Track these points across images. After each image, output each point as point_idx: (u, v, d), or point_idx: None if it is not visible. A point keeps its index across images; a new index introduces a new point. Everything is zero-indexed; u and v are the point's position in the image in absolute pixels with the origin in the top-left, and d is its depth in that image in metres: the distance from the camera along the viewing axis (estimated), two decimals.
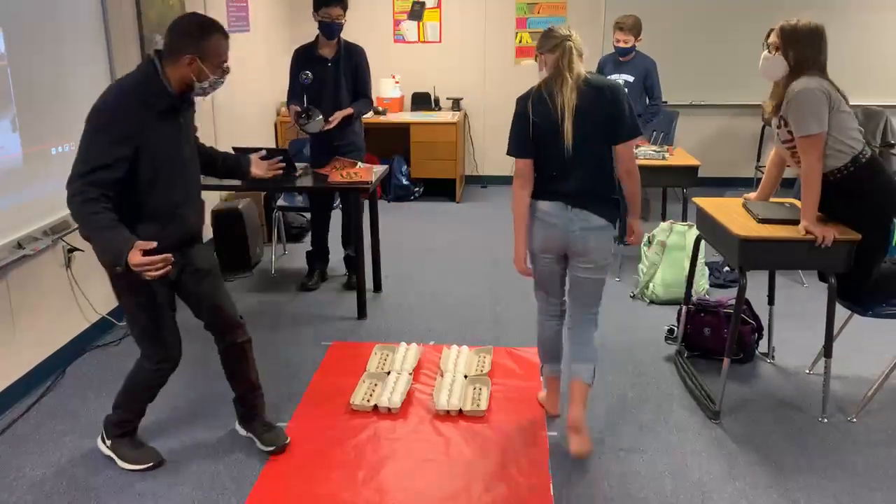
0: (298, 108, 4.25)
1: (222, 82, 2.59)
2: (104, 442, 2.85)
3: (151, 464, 2.78)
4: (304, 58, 4.41)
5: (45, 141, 3.38)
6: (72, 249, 3.58)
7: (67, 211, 3.41)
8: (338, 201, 4.90)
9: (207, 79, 2.51)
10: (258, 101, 6.25)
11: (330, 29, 4.29)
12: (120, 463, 2.79)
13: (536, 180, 2.81)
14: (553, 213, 2.78)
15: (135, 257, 2.28)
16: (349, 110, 4.39)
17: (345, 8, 4.29)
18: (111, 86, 2.52)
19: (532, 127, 2.74)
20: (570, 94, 2.68)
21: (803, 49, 2.88)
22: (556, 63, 2.73)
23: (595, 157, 2.75)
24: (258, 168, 3.12)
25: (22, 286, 3.29)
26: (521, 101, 2.80)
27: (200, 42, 2.45)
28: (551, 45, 2.74)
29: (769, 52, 2.97)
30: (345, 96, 4.42)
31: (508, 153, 2.81)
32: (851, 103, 2.95)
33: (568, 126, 2.68)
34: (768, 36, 2.99)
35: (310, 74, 4.23)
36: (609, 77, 5.26)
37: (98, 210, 2.34)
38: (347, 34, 4.42)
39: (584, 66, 2.76)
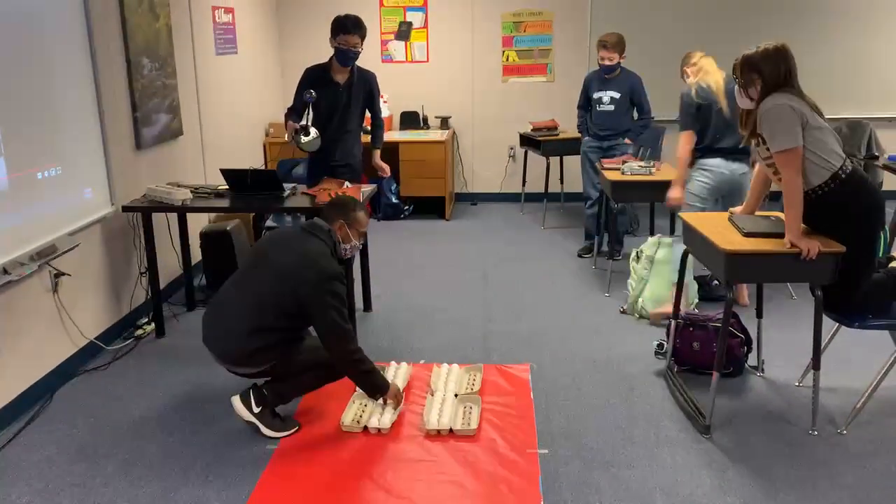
0: (297, 126, 4.26)
1: (359, 247, 3.32)
2: (251, 409, 3.08)
3: (296, 428, 3.16)
4: (315, 78, 4.42)
5: (31, 165, 3.38)
6: (59, 274, 3.56)
7: (54, 235, 3.48)
8: None
9: (350, 242, 3.20)
10: (246, 122, 6.26)
11: (345, 56, 4.33)
12: (266, 430, 3.09)
13: (700, 145, 4.35)
14: (721, 164, 4.32)
15: (396, 394, 3.21)
16: (385, 169, 4.73)
17: (363, 37, 4.35)
18: (317, 253, 3.04)
19: (697, 108, 4.30)
20: (719, 84, 4.28)
21: (766, 72, 2.94)
22: (706, 69, 4.41)
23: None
24: None
25: (8, 312, 3.27)
26: (687, 94, 4.35)
27: (350, 213, 3.20)
28: (696, 60, 4.50)
29: (738, 87, 3.05)
30: (354, 121, 4.51)
31: (681, 129, 4.39)
32: (837, 116, 2.99)
33: (724, 103, 4.22)
34: (734, 70, 3.05)
35: (313, 93, 4.24)
36: (596, 94, 5.37)
37: (365, 356, 3.08)
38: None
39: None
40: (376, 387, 3.14)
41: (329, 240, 3.13)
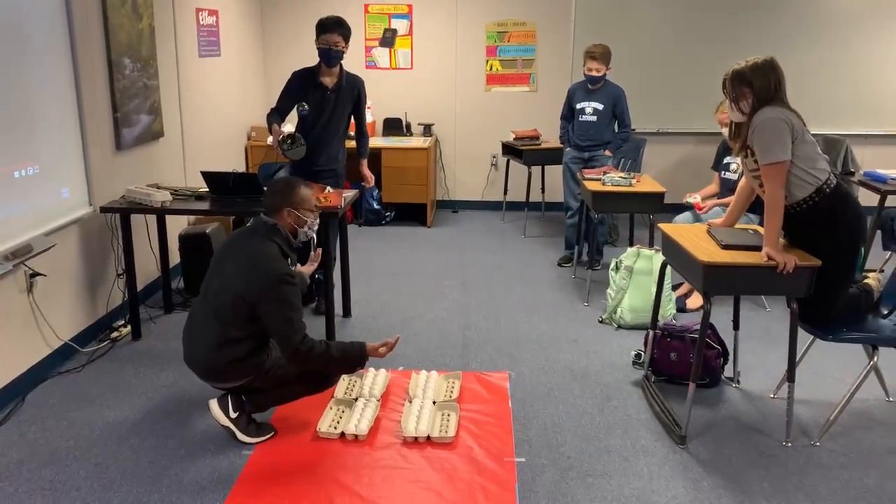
0: (284, 133, 4.22)
1: (316, 224, 3.18)
2: (227, 414, 3.05)
3: (272, 434, 3.13)
4: (303, 82, 4.40)
5: (8, 163, 3.33)
6: (34, 274, 3.51)
7: (30, 234, 3.44)
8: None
9: (305, 225, 3.10)
10: (228, 125, 6.23)
11: (328, 55, 4.32)
12: (241, 436, 3.07)
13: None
14: None
15: (379, 352, 3.10)
16: (370, 180, 4.74)
17: (344, 36, 4.33)
18: (262, 255, 2.94)
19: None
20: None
21: (757, 85, 2.97)
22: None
23: None
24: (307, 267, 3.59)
25: None
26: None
27: (293, 197, 3.05)
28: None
29: (729, 101, 3.07)
30: (340, 125, 4.50)
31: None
32: (813, 132, 3.02)
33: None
34: (724, 86, 3.07)
35: (307, 106, 4.22)
36: (579, 105, 5.40)
37: (324, 348, 2.95)
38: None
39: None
40: (354, 364, 3.09)
41: (276, 235, 3.03)
